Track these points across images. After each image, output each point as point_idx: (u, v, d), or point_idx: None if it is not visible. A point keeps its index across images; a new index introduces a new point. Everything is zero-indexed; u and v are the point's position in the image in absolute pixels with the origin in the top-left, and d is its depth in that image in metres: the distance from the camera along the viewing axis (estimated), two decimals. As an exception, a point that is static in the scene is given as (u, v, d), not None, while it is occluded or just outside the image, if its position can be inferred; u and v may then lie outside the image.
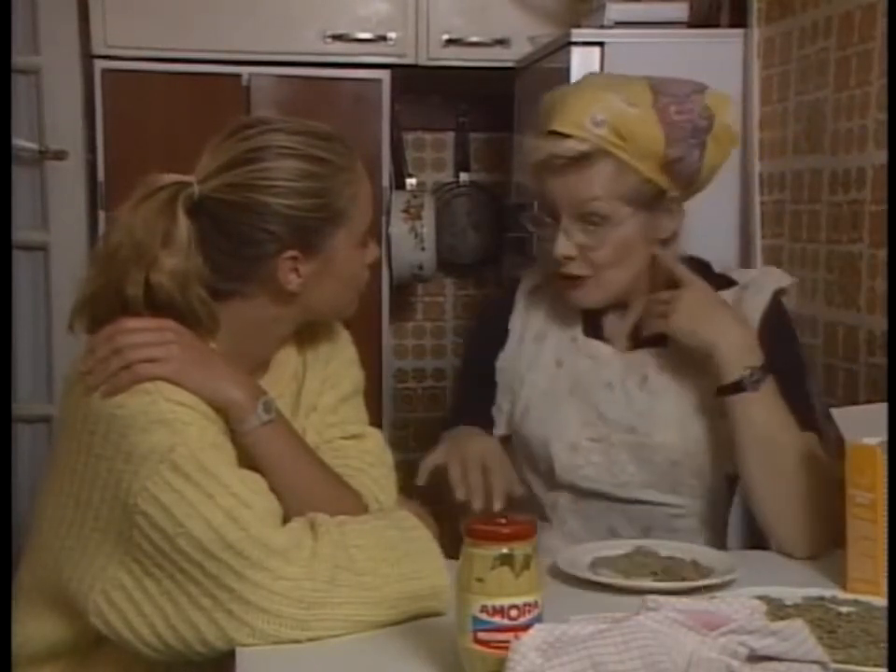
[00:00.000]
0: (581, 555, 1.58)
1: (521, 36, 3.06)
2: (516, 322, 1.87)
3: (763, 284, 1.78)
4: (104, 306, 1.44)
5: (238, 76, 3.07)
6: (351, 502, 1.47)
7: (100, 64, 3.03)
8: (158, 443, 1.33)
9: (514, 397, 1.84)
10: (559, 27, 2.93)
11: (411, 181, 3.49)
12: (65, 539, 1.40)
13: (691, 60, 2.49)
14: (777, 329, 1.75)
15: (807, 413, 1.71)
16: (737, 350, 1.64)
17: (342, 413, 1.62)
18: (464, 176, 3.60)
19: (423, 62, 3.16)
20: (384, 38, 3.12)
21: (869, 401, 1.89)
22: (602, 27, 2.56)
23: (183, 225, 1.43)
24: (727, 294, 1.77)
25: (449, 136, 3.61)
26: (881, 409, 1.48)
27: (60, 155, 3.03)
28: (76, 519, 1.39)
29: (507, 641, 1.11)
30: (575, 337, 1.82)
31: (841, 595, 1.44)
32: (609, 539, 1.73)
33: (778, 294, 1.78)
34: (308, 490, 1.43)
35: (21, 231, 2.88)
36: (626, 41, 2.51)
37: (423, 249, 3.29)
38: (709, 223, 2.55)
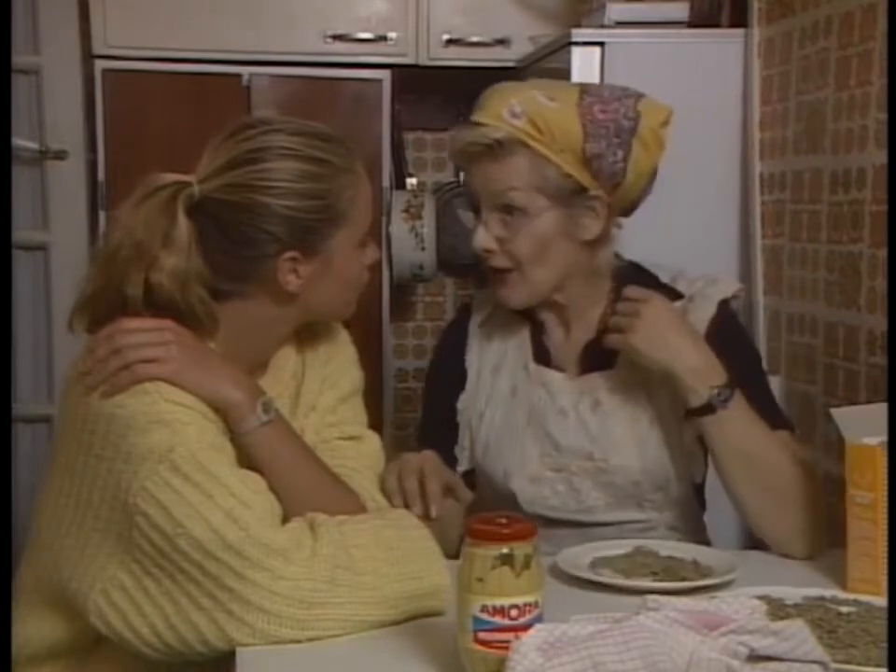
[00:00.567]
0: (581, 555, 1.58)
1: (521, 36, 3.06)
2: (472, 359, 1.86)
3: (708, 295, 1.77)
4: (103, 306, 1.44)
5: (238, 76, 3.07)
6: (350, 502, 1.47)
7: (100, 64, 3.03)
8: (157, 444, 1.33)
9: (474, 433, 1.83)
10: (560, 27, 2.94)
11: (411, 181, 3.48)
12: (65, 539, 1.40)
13: (691, 60, 2.51)
14: (727, 336, 1.74)
15: (773, 411, 1.72)
16: (700, 372, 1.64)
17: (340, 413, 1.62)
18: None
19: (423, 62, 3.17)
20: (384, 38, 3.13)
21: (869, 401, 1.89)
22: (603, 27, 2.57)
23: (183, 225, 1.43)
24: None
25: (449, 136, 3.61)
26: (881, 409, 1.48)
27: (60, 155, 3.03)
28: (75, 519, 1.39)
29: (507, 641, 1.11)
30: (526, 364, 1.82)
31: (841, 594, 1.44)
32: None
33: (724, 304, 1.77)
34: (307, 490, 1.43)
35: (22, 230, 2.88)
36: (627, 41, 2.51)
37: (423, 249, 3.29)
38: (710, 223, 2.57)
